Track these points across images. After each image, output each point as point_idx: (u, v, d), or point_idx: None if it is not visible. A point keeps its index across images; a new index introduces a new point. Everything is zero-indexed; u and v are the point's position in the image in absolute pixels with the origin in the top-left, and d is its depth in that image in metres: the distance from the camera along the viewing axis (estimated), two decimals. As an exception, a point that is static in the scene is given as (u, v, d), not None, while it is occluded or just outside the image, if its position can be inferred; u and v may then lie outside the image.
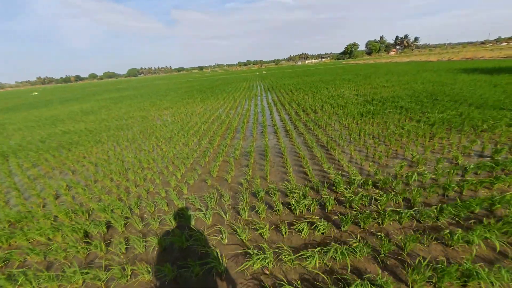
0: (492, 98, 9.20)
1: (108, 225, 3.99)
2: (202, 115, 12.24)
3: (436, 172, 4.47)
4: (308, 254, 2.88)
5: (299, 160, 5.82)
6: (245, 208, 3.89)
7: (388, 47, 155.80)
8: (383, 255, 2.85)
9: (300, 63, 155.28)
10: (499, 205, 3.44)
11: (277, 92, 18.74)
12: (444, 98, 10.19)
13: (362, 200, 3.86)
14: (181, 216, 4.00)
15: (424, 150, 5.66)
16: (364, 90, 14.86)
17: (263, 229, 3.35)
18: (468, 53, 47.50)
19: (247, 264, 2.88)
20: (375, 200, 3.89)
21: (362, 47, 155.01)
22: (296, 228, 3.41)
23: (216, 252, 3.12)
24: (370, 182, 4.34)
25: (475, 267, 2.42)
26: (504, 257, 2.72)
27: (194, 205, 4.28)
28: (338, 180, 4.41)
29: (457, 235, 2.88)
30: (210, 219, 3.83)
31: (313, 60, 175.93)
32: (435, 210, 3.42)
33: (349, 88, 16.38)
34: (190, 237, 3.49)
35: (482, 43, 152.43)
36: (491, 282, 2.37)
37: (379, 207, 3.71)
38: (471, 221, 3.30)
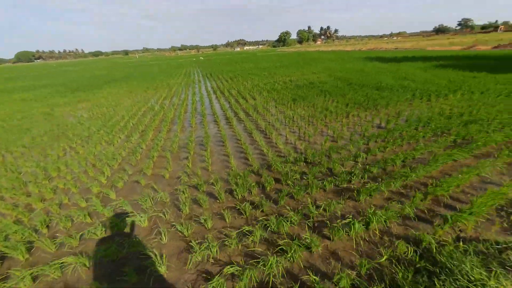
0: (386, 82, 11.67)
1: (2, 257, 3.08)
2: (130, 107, 10.66)
3: (350, 144, 5.41)
4: (249, 229, 3.06)
5: (240, 146, 5.92)
6: (186, 202, 3.73)
7: (315, 37, 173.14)
8: (311, 219, 3.31)
9: (238, 49, 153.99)
10: (389, 164, 4.51)
11: (216, 79, 18.16)
12: (355, 83, 12.25)
13: (295, 176, 4.32)
14: (110, 225, 3.48)
15: (342, 127, 6.74)
16: (296, 76, 16.17)
17: (206, 220, 3.31)
18: (372, 44, 58.18)
19: (191, 257, 2.82)
20: (305, 174, 4.42)
21: (294, 35, 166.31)
22: (239, 211, 3.52)
23: (155, 253, 2.90)
24: (301, 159, 4.88)
25: (374, 213, 3.13)
26: (390, 201, 3.62)
27: (125, 210, 3.79)
28: (275, 161, 4.77)
29: (362, 191, 3.63)
30: (146, 222, 3.50)
31: (251, 47, 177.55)
32: (348, 175, 4.18)
33: (283, 75, 17.47)
34: (123, 246, 3.10)
35: (381, 36, 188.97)
36: (384, 221, 3.15)
37: (309, 179, 4.24)
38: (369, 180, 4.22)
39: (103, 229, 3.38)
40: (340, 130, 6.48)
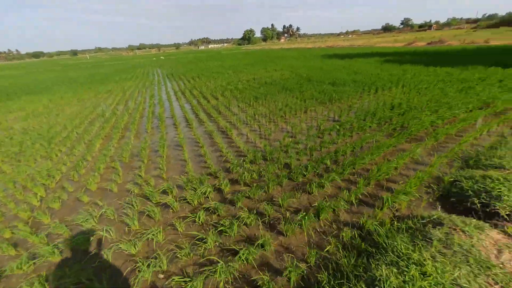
0: (341, 77, 12.52)
1: None
2: (76, 115, 9.49)
3: (307, 138, 5.64)
4: (203, 237, 2.95)
5: (199, 150, 5.71)
6: (135, 217, 3.43)
7: (279, 35, 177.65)
8: (267, 217, 3.34)
9: (203, 47, 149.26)
10: (340, 155, 4.81)
11: (178, 80, 17.32)
12: (314, 79, 12.87)
13: (254, 175, 4.32)
14: (39, 255, 3.01)
15: (300, 122, 6.99)
16: (260, 74, 16.32)
17: (157, 233, 3.09)
18: (330, 42, 62.06)
19: (137, 278, 2.59)
20: (264, 171, 4.45)
21: (258, 33, 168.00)
22: (193, 219, 3.37)
23: (96, 280, 2.60)
24: (260, 157, 4.91)
25: (325, 203, 3.29)
26: (340, 190, 3.86)
27: (62, 233, 3.32)
28: (234, 162, 4.71)
29: (314, 184, 3.80)
30: (87, 244, 3.12)
31: (215, 45, 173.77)
32: (304, 169, 4.34)
33: (248, 73, 17.48)
34: (56, 277, 2.71)
35: (338, 34, 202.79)
36: (333, 210, 3.34)
37: (266, 177, 4.28)
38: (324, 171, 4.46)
39: (28, 261, 2.90)
40: (298, 125, 6.70)
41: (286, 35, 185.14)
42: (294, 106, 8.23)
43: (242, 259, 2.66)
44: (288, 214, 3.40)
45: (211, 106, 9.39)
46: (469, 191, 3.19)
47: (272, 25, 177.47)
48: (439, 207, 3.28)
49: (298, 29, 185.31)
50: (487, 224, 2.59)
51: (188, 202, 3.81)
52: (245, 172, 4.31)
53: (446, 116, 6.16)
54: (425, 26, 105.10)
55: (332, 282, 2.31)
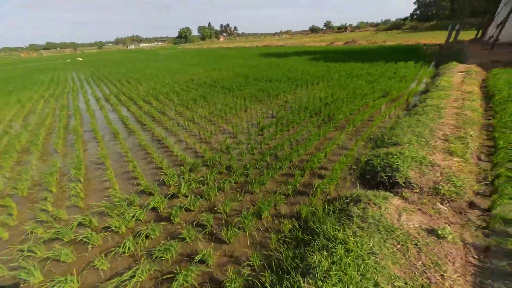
0: (277, 75, 13.25)
1: None
2: None
3: (248, 137, 5.67)
4: (133, 271, 2.53)
5: (127, 165, 4.96)
6: (37, 266, 2.66)
7: (217, 34, 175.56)
8: (209, 228, 3.15)
9: (133, 46, 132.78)
10: (279, 150, 5.03)
11: (101, 85, 14.80)
12: (253, 77, 13.19)
13: (193, 185, 4.03)
14: None
15: (240, 121, 7.00)
16: (198, 75, 15.64)
17: (69, 281, 2.47)
18: (267, 41, 65.36)
19: None
20: (203, 179, 4.21)
21: (195, 32, 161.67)
22: (120, 250, 2.87)
23: None
24: (200, 163, 4.63)
25: (265, 201, 3.33)
26: (280, 185, 4.02)
27: None
28: (171, 173, 4.28)
29: (256, 183, 3.83)
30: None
31: (148, 44, 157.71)
32: (245, 169, 4.32)
33: (186, 73, 16.49)
34: None
35: (274, 34, 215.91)
36: (274, 205, 3.42)
37: (208, 184, 4.06)
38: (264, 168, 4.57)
39: None
40: (239, 125, 6.70)
41: (224, 34, 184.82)
42: (234, 105, 8.19)
43: (180, 283, 2.40)
44: (231, 220, 3.30)
45: (143, 112, 8.39)
46: (378, 167, 3.82)
47: (209, 23, 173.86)
48: (358, 185, 3.81)
49: (235, 28, 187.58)
50: (391, 194, 3.13)
51: (114, 231, 3.22)
52: (183, 183, 3.97)
53: (360, 105, 7.29)
54: (342, 28, 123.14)
55: (274, 280, 2.34)
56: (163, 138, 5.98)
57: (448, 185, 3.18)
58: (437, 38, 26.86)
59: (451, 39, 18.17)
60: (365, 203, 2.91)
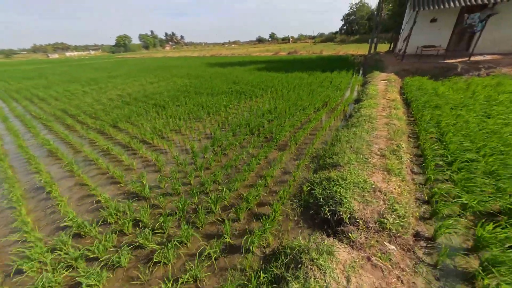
0: (221, 87, 12.45)
1: None
2: None
3: (171, 172, 4.53)
4: None
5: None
6: None
7: (162, 42, 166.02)
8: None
9: (56, 55, 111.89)
10: (209, 184, 4.09)
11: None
12: (193, 90, 12.02)
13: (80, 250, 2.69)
14: None
15: (169, 147, 5.80)
16: (130, 88, 13.51)
17: None
18: (215, 51, 64.69)
19: None
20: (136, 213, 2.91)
21: (135, 40, 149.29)
22: None
23: None
24: (93, 225, 3.27)
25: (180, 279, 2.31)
26: (209, 238, 3.07)
27: None
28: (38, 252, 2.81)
29: (171, 246, 2.76)
30: None
31: (77, 53, 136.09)
32: (159, 226, 3.20)
33: (114, 87, 14.06)
34: None
35: (223, 44, 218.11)
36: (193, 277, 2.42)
37: (143, 218, 2.79)
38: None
39: None
40: (168, 152, 5.50)
41: (171, 43, 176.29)
42: (165, 127, 6.91)
43: None
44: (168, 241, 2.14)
45: (37, 143, 6.24)
46: (321, 199, 3.28)
47: (151, 31, 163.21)
48: (302, 225, 3.18)
49: (182, 37, 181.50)
50: (336, 242, 2.55)
51: None
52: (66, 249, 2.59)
53: (302, 118, 7.05)
54: (286, 39, 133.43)
55: None
56: (48, 184, 4.28)
57: (393, 216, 2.82)
58: (362, 49, 31.14)
59: (372, 51, 20.99)
60: (307, 267, 2.21)
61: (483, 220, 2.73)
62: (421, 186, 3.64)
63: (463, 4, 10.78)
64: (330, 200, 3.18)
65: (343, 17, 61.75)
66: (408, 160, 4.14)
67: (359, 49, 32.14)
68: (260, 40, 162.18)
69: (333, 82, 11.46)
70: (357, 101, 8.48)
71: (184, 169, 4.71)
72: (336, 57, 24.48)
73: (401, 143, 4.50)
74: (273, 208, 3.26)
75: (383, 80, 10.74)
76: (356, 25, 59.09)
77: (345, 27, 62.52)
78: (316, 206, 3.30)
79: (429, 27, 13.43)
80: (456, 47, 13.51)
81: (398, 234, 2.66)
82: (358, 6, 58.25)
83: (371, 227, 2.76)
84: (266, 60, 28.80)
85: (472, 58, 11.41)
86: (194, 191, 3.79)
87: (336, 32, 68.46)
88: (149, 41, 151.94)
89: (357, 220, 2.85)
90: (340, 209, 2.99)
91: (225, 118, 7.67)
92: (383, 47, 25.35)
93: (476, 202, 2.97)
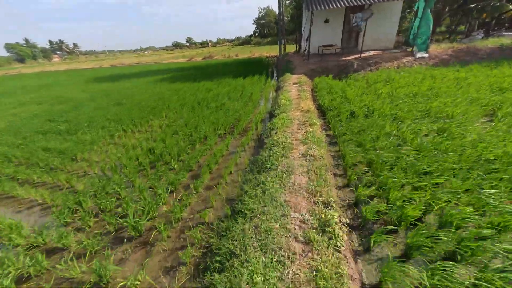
0: (91, 116, 8.77)
1: None
2: None
3: None
4: None
5: None
6: None
7: (47, 52, 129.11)
8: None
9: None
10: None
11: None
12: (41, 130, 7.87)
13: None
14: None
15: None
16: None
17: None
18: (118, 60, 54.37)
19: None
20: None
21: (2, 52, 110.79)
22: None
23: None
24: None
25: None
26: None
27: None
28: None
29: None
30: None
31: None
32: None
33: None
34: None
35: (135, 51, 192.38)
36: None
37: None
38: None
39: None
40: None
41: (59, 52, 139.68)
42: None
43: None
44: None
45: None
46: None
47: (26, 39, 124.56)
48: None
49: (75, 45, 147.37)
50: None
51: None
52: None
53: (200, 156, 4.85)
54: (205, 44, 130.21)
55: None
56: None
57: None
58: (274, 51, 32.30)
59: (282, 52, 21.37)
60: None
61: None
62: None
63: (346, 4, 11.32)
64: None
65: (254, 21, 64.45)
66: (345, 244, 2.53)
67: (272, 51, 33.31)
68: (177, 45, 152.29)
69: (245, 92, 9.85)
70: (271, 115, 7.04)
71: None
72: (251, 60, 23.94)
73: (330, 199, 2.94)
74: None
75: (295, 83, 9.97)
76: (267, 28, 62.85)
77: (258, 30, 65.50)
78: None
79: (324, 27, 13.96)
80: (348, 45, 14.64)
81: None
82: (266, 11, 62.05)
83: None
84: (176, 67, 25.29)
85: (363, 55, 12.29)
86: None
87: (251, 35, 71.02)
88: (24, 53, 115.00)
89: None
90: None
91: (83, 173, 4.55)
92: (291, 48, 26.68)
93: None
